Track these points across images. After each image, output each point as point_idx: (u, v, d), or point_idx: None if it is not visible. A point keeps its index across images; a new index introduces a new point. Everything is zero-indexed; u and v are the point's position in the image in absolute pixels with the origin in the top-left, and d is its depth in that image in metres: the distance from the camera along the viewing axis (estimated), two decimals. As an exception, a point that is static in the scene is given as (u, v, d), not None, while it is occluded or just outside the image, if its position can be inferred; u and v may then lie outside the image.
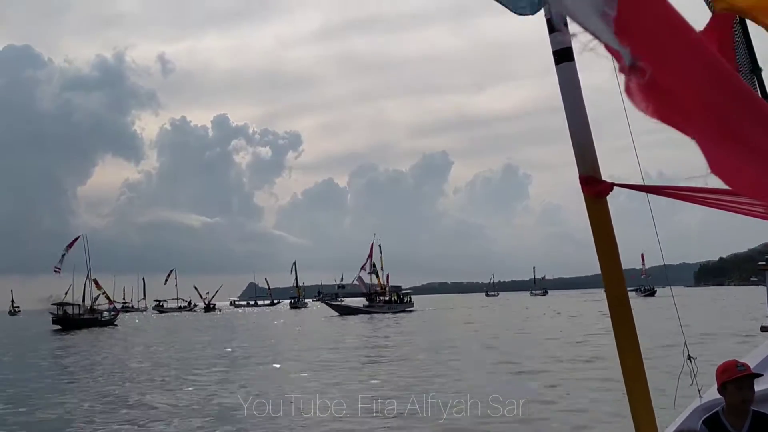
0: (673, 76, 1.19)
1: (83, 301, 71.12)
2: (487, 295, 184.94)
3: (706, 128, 1.21)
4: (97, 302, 74.00)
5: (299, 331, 51.75)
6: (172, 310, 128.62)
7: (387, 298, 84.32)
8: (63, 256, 72.29)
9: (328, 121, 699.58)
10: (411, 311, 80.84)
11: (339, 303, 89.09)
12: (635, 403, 1.93)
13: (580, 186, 1.87)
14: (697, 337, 22.77)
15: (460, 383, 19.69)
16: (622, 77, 1.24)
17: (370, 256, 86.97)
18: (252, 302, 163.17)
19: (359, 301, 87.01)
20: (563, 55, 1.87)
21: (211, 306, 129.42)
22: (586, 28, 1.20)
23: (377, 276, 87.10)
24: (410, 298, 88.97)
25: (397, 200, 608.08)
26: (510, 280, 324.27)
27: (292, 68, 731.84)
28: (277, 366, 26.45)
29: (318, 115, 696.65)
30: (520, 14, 2.10)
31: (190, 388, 20.95)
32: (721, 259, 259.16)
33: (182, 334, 51.85)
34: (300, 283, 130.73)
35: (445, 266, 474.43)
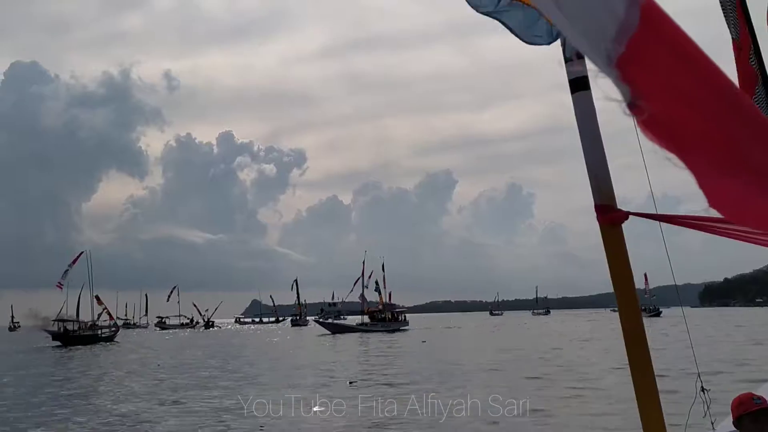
0: (680, 108, 1.18)
1: (77, 316, 71.03)
2: (491, 313, 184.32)
3: (712, 159, 1.19)
4: (99, 319, 73.98)
5: (283, 350, 49.46)
6: (174, 326, 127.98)
7: (382, 317, 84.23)
8: (66, 271, 72.31)
9: (333, 138, 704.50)
10: (405, 330, 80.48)
11: (330, 321, 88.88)
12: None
13: (594, 212, 1.83)
14: (709, 365, 21.98)
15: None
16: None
17: (363, 274, 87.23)
18: (257, 319, 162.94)
19: (362, 319, 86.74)
20: (579, 84, 1.86)
21: (210, 323, 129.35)
22: (593, 62, 1.20)
23: (380, 294, 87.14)
24: (405, 316, 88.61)
25: (401, 218, 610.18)
26: (514, 299, 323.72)
27: (297, 86, 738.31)
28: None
29: (322, 132, 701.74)
30: (534, 44, 2.10)
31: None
32: (726, 279, 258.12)
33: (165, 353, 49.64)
34: (303, 301, 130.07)
35: (448, 285, 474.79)
